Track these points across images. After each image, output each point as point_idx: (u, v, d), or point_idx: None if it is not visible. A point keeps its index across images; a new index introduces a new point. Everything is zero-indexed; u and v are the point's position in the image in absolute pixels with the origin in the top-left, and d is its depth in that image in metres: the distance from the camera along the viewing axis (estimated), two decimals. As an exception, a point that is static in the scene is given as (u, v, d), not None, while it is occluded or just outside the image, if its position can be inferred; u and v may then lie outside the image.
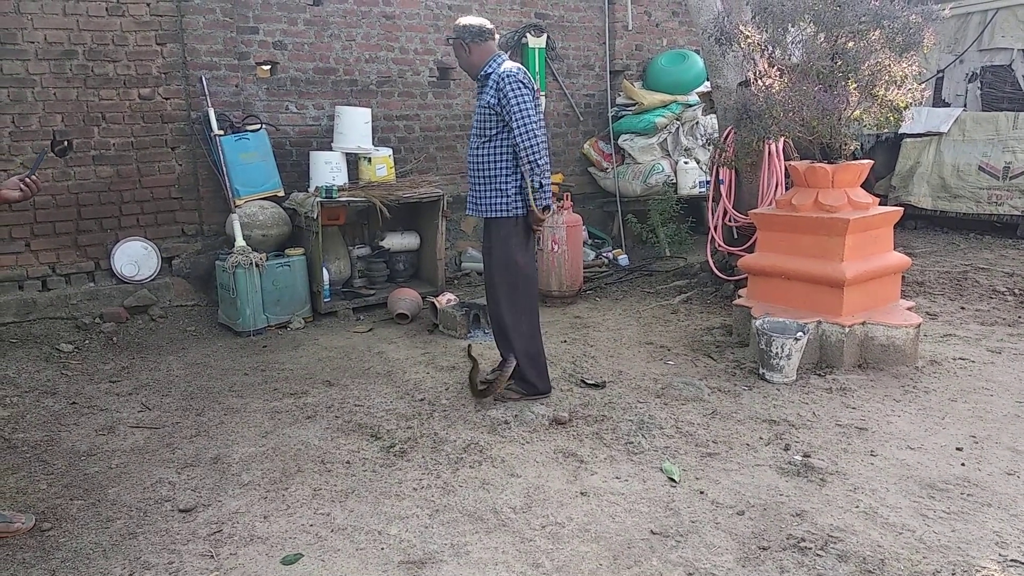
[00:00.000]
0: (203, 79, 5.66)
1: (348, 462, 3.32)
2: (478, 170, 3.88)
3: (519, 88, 3.68)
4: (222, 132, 5.65)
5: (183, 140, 5.76)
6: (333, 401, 4.05)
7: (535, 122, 3.71)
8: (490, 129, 3.81)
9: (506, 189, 3.80)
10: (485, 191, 3.86)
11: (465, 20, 3.88)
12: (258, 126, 5.86)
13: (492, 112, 3.77)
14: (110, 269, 5.53)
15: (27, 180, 2.85)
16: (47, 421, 3.88)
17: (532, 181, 3.74)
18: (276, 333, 5.39)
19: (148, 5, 5.47)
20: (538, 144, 3.70)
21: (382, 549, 2.65)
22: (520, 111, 3.67)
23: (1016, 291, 5.57)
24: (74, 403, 4.11)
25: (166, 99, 5.65)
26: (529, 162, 3.71)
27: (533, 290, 3.97)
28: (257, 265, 5.31)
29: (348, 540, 2.71)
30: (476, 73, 3.87)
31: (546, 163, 3.77)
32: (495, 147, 3.81)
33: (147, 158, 5.64)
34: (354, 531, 2.77)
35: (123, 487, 3.15)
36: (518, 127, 3.68)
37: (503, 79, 3.70)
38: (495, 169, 3.82)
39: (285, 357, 4.85)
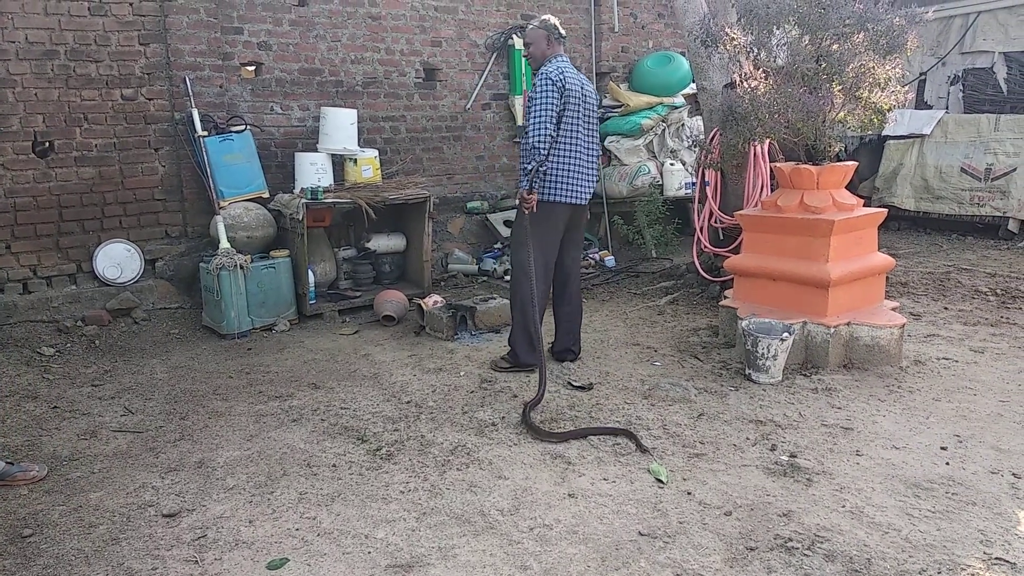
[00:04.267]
0: (187, 80, 5.62)
1: (334, 465, 3.30)
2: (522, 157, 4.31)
3: (545, 83, 4.10)
4: (206, 133, 5.60)
5: (167, 141, 5.71)
6: (319, 404, 4.02)
7: (544, 113, 4.05)
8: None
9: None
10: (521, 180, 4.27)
11: (549, 16, 4.37)
12: (243, 127, 5.82)
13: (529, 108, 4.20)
14: (92, 271, 5.47)
15: None
16: (28, 425, 3.83)
17: (525, 166, 4.09)
18: (261, 335, 5.36)
19: (131, 5, 5.42)
20: (539, 134, 4.05)
21: (369, 553, 2.63)
22: (535, 102, 4.08)
23: (998, 291, 5.63)
24: (56, 407, 4.06)
25: (149, 100, 5.60)
26: (527, 148, 4.09)
27: (535, 269, 4.20)
28: (242, 267, 5.27)
29: (334, 544, 2.69)
30: (537, 66, 4.30)
31: (537, 151, 4.07)
32: None
33: (130, 159, 5.59)
34: (340, 535, 2.75)
35: (106, 492, 3.12)
36: (529, 116, 4.11)
37: (539, 77, 4.14)
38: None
39: (270, 360, 4.81)
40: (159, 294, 5.68)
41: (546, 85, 4.09)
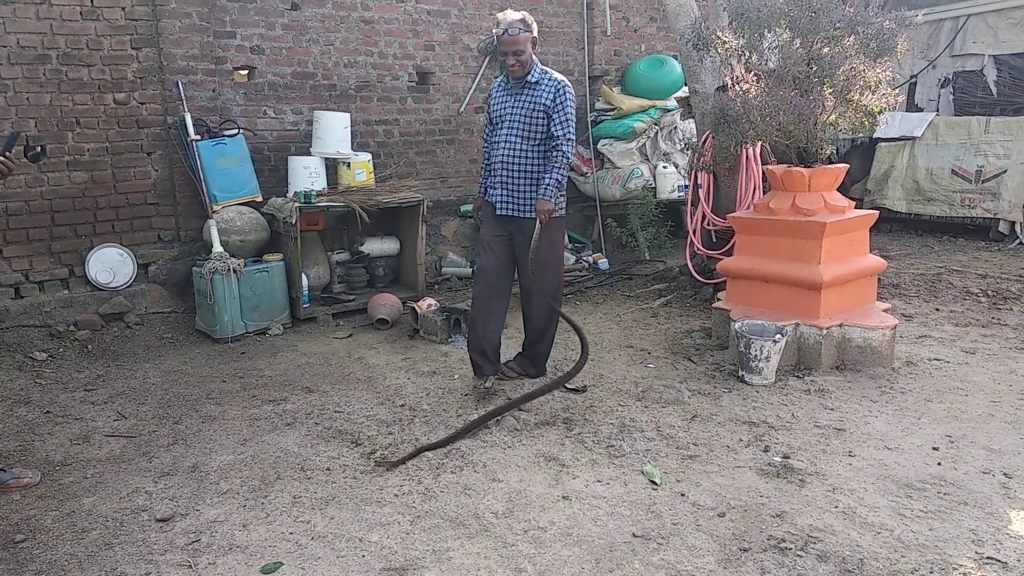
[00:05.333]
0: (179, 84, 5.61)
1: (328, 469, 3.29)
2: (522, 171, 4.03)
3: (570, 96, 3.94)
4: (199, 137, 5.59)
5: (159, 145, 5.69)
6: (313, 408, 4.01)
7: (574, 128, 4.01)
8: (541, 132, 3.97)
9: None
10: (529, 192, 4.02)
11: (526, 14, 3.96)
12: (235, 131, 5.81)
13: (546, 114, 3.94)
14: (85, 276, 5.45)
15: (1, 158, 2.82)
16: (21, 431, 3.81)
17: (560, 178, 3.94)
18: (255, 339, 5.35)
19: (123, 9, 5.41)
20: (574, 150, 4.01)
21: (363, 556, 2.63)
22: (570, 118, 3.94)
23: (989, 292, 5.66)
24: (48, 412, 4.05)
25: (142, 104, 5.59)
26: (566, 160, 3.94)
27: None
28: (235, 271, 5.27)
29: (328, 548, 2.69)
30: (525, 71, 3.95)
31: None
32: (544, 149, 4.00)
33: (122, 163, 5.57)
34: (335, 538, 2.74)
35: (99, 497, 3.11)
36: (564, 130, 3.91)
37: (562, 86, 3.92)
38: (541, 170, 4.01)
39: (264, 364, 4.80)
40: (152, 298, 5.66)
41: (572, 99, 3.95)
